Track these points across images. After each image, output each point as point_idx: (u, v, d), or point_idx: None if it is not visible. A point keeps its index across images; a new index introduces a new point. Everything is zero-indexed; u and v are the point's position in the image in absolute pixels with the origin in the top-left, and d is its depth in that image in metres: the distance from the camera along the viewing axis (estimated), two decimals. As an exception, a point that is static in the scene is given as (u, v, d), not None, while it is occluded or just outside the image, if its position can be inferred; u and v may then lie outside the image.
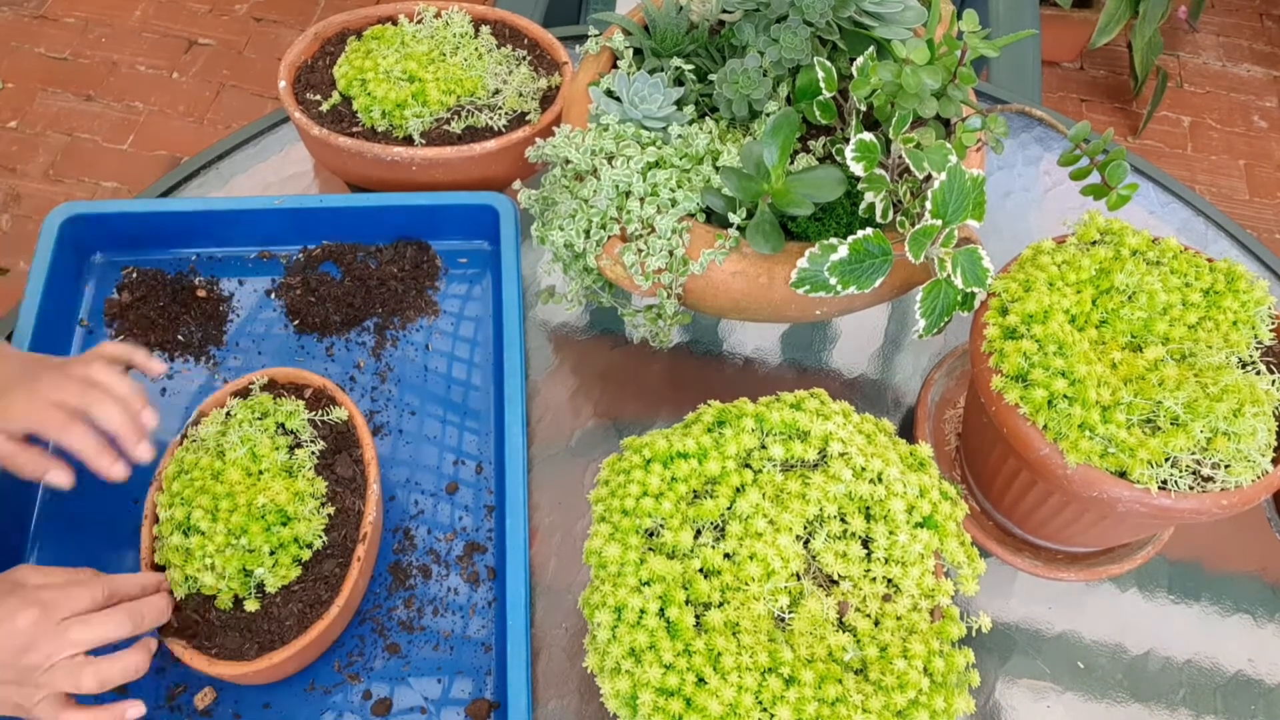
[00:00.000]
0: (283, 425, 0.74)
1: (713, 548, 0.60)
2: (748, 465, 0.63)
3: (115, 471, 0.67)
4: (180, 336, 0.88)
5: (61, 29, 2.28)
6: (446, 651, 0.74)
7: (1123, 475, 0.64)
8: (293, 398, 0.76)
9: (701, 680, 0.55)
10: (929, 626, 0.60)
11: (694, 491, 0.62)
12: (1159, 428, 0.65)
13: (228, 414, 0.74)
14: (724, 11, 0.84)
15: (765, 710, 0.55)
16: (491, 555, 0.78)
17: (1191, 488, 0.64)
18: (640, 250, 0.74)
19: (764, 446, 0.63)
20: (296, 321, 0.90)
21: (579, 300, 0.81)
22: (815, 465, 0.63)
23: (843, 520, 0.61)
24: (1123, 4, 2.02)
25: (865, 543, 0.62)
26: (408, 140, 0.92)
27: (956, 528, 0.63)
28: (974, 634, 0.61)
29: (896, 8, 0.77)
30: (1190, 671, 0.77)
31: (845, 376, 0.92)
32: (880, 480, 0.62)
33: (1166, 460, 0.64)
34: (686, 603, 0.58)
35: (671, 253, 0.74)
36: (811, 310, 0.76)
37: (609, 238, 0.75)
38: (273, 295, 0.92)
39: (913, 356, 0.93)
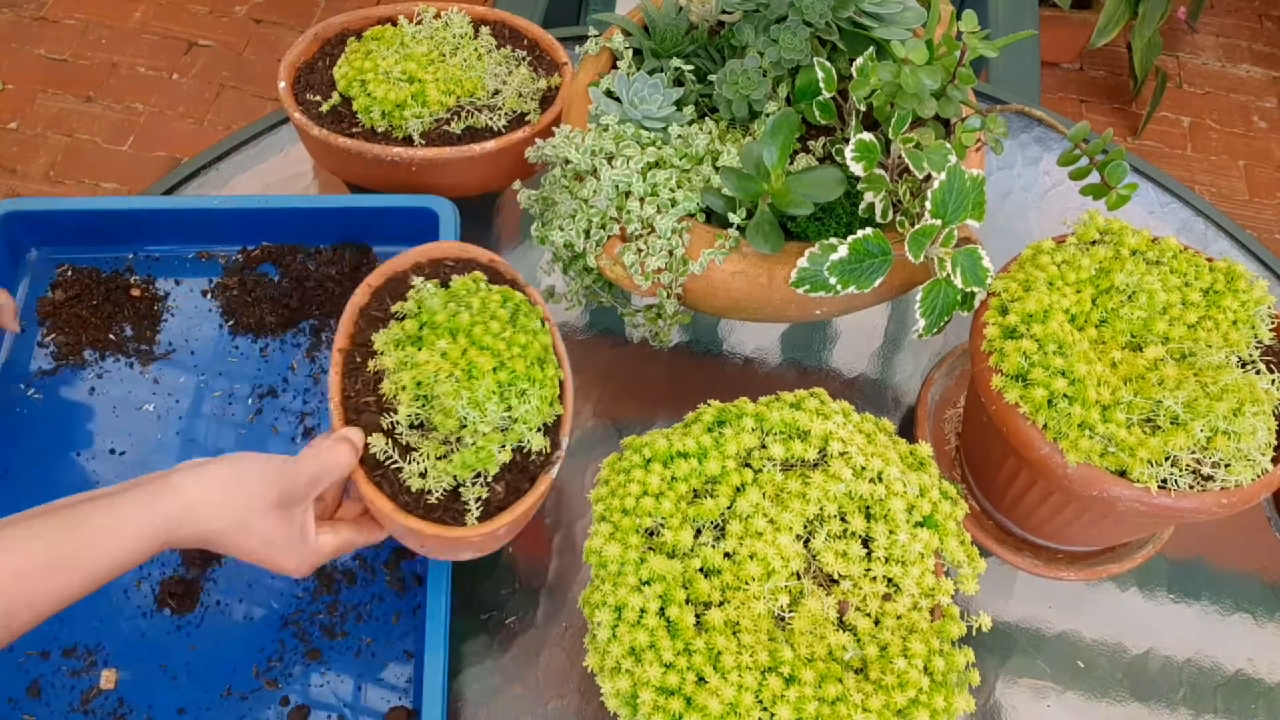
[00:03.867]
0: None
1: (713, 547, 0.60)
2: (748, 465, 0.63)
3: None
4: (111, 335, 0.88)
5: (61, 30, 2.28)
6: (368, 658, 0.73)
7: (1123, 474, 0.64)
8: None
9: (702, 679, 0.55)
10: (929, 626, 0.60)
11: (694, 491, 0.62)
12: (1159, 427, 0.65)
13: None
14: (724, 12, 0.84)
15: (765, 709, 0.55)
16: (419, 562, 0.77)
17: (1191, 487, 0.64)
18: (640, 250, 0.74)
19: (764, 446, 0.63)
20: (231, 322, 0.90)
21: (579, 300, 0.81)
22: (815, 465, 0.63)
23: (843, 519, 0.61)
24: (1122, 5, 2.02)
25: (865, 542, 0.62)
26: (407, 141, 0.92)
27: (956, 527, 0.63)
28: (974, 633, 0.61)
29: (896, 8, 0.77)
30: (1190, 671, 0.77)
31: (845, 376, 0.92)
32: (880, 479, 0.62)
33: (1166, 459, 0.64)
34: (687, 602, 0.58)
35: (671, 253, 0.74)
36: (811, 310, 0.76)
37: (609, 238, 0.75)
38: (208, 295, 0.92)
39: (913, 356, 0.93)
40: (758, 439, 0.64)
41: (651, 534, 0.61)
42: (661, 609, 0.58)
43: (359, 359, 0.68)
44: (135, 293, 0.91)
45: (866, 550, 0.61)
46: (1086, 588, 0.80)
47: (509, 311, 0.68)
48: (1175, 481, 0.63)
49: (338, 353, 0.68)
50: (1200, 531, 0.83)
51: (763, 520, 0.60)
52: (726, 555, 0.60)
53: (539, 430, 0.66)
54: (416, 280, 0.71)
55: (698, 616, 0.58)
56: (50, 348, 0.87)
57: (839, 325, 0.95)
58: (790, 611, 0.59)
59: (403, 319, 0.69)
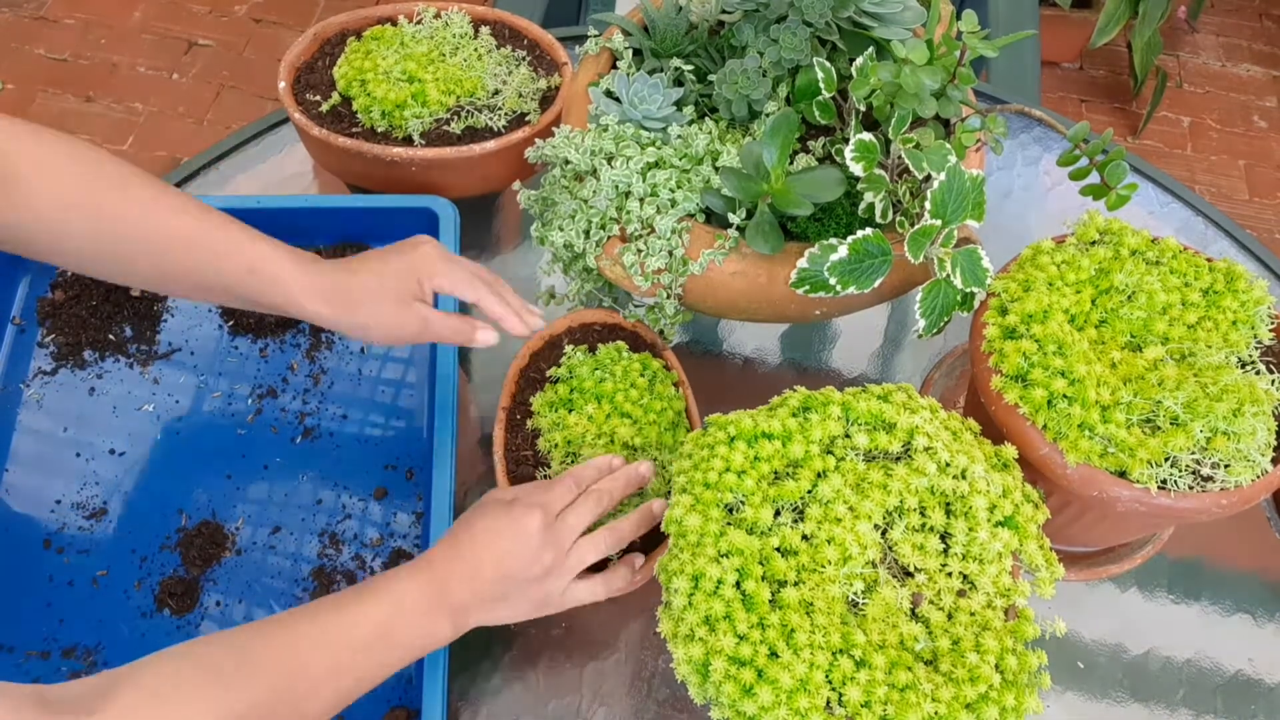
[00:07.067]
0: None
1: (791, 528, 0.60)
2: (830, 452, 0.63)
3: (525, 327, 0.72)
4: (111, 336, 0.88)
5: (62, 30, 2.28)
6: None
7: (1122, 475, 0.64)
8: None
9: (774, 654, 0.55)
10: (1003, 625, 0.60)
11: (775, 472, 0.62)
12: (1159, 427, 0.65)
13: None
14: (724, 12, 0.84)
15: (834, 689, 0.55)
16: None
17: (1191, 487, 0.64)
18: (640, 250, 0.74)
19: (848, 435, 0.64)
20: (231, 322, 0.90)
21: (579, 301, 0.81)
22: (898, 458, 0.63)
23: (922, 513, 0.61)
24: (1122, 4, 2.02)
25: (943, 537, 0.62)
26: (407, 141, 0.92)
27: (1037, 531, 0.63)
28: (1045, 638, 0.61)
29: (896, 8, 0.77)
30: (1190, 671, 0.77)
31: (845, 376, 0.92)
32: (964, 476, 0.62)
33: (1166, 460, 0.64)
34: (763, 579, 0.58)
35: (671, 253, 0.74)
36: (811, 310, 0.76)
37: (609, 238, 0.75)
38: None
39: (912, 357, 0.93)
40: (842, 428, 0.64)
41: (731, 510, 0.61)
42: (738, 582, 0.58)
43: (519, 416, 0.78)
44: (135, 293, 0.91)
45: (944, 546, 0.61)
46: (1086, 588, 0.80)
47: (647, 379, 0.77)
48: (1175, 482, 0.63)
49: (501, 411, 0.77)
50: (1200, 531, 0.83)
51: (843, 507, 0.60)
52: (804, 538, 0.60)
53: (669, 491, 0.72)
54: (568, 347, 0.80)
55: (772, 594, 0.58)
56: (50, 348, 0.87)
57: (839, 325, 0.95)
58: (864, 598, 0.59)
59: (556, 382, 0.78)
